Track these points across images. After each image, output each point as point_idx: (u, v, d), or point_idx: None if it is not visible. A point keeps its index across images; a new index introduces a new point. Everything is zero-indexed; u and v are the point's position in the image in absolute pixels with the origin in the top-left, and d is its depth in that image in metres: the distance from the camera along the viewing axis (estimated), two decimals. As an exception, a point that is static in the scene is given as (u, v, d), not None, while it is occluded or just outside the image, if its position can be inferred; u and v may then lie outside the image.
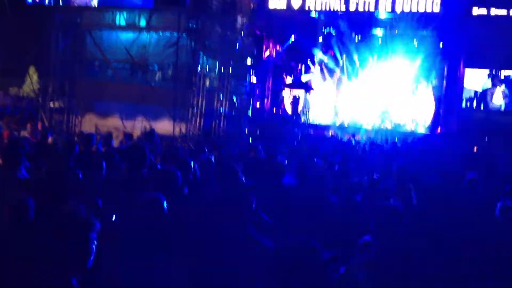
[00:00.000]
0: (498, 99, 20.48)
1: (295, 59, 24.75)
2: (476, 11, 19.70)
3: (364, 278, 2.84)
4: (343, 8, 21.20)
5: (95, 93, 18.40)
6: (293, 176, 6.31)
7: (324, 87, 24.52)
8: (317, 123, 23.12)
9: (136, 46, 18.93)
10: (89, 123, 18.11)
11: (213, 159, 7.86)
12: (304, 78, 24.74)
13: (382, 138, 18.18)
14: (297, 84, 24.42)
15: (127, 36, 19.20)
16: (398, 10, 20.65)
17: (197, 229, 3.72)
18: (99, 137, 10.21)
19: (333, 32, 23.22)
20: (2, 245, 3.56)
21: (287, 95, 24.92)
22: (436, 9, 20.18)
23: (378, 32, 22.91)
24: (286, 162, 6.52)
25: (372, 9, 20.95)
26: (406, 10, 20.56)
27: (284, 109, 24.50)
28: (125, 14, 19.23)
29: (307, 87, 24.15)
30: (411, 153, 11.07)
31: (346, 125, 22.24)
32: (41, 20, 18.92)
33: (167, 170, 4.66)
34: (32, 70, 20.16)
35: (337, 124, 22.59)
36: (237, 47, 20.65)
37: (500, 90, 20.35)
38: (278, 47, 24.60)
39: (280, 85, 25.12)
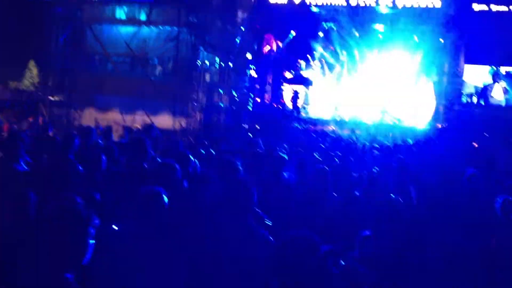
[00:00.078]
0: (498, 95, 20.44)
1: (296, 54, 24.68)
2: (477, 7, 19.66)
3: (364, 272, 2.84)
4: (344, 3, 21.15)
5: (95, 87, 18.38)
6: (292, 171, 6.31)
7: (324, 82, 24.47)
8: (317, 118, 23.08)
9: (136, 40, 18.91)
10: (89, 117, 18.11)
11: (213, 153, 7.86)
12: (304, 73, 24.70)
13: (383, 135, 18.16)
14: (297, 79, 24.36)
15: (127, 30, 19.17)
16: (399, 5, 20.59)
17: (198, 222, 3.72)
18: (99, 131, 10.21)
19: (333, 27, 23.16)
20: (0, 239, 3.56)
21: (287, 90, 24.87)
22: (437, 4, 20.12)
23: (379, 27, 22.85)
24: (286, 157, 6.50)
25: (373, 4, 20.90)
26: (407, 5, 20.52)
27: (284, 104, 24.45)
28: (125, 8, 19.20)
29: (307, 82, 24.10)
30: (410, 150, 11.06)
31: (346, 120, 22.20)
32: (41, 14, 18.87)
33: (166, 164, 4.66)
34: (32, 63, 20.11)
35: (337, 119, 22.54)
36: (237, 42, 20.62)
37: (500, 86, 20.30)
38: (278, 42, 24.55)
39: (280, 80, 25.07)
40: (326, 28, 23.44)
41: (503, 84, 19.96)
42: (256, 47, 23.00)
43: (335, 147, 11.05)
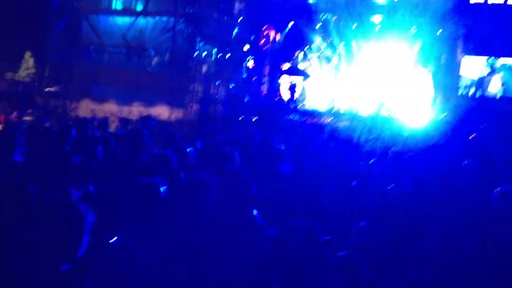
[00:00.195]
0: (495, 87, 20.46)
1: (293, 46, 24.63)
2: (473, -1, 19.68)
3: (362, 262, 2.84)
4: (341, -6, 21.11)
5: (92, 78, 18.31)
6: (289, 162, 6.31)
7: (321, 74, 24.44)
8: (314, 110, 23.06)
9: (132, 31, 18.81)
10: (85, 108, 18.04)
11: (209, 145, 7.84)
12: (301, 65, 24.65)
13: (379, 127, 18.14)
14: (294, 70, 24.32)
15: (124, 20, 19.07)
16: (396, -4, 20.56)
17: (195, 214, 3.71)
18: (96, 122, 10.18)
19: (330, 18, 23.10)
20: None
21: (284, 81, 24.83)
22: (435, -5, 20.09)
23: (376, 18, 22.80)
24: (283, 147, 6.50)
25: (370, -5, 20.86)
26: (405, -4, 20.48)
27: (281, 96, 24.42)
28: (121, -2, 19.12)
29: (304, 74, 24.07)
30: (407, 141, 11.06)
31: (342, 112, 22.18)
32: (37, 4, 18.76)
33: (162, 154, 4.65)
34: (28, 54, 20.02)
35: (334, 111, 22.54)
36: (234, 33, 20.54)
37: (497, 77, 20.32)
38: (275, 34, 24.48)
39: (277, 72, 25.01)
40: (323, 19, 23.39)
41: (500, 76, 19.99)
42: (253, 39, 22.93)
43: (332, 138, 11.04)
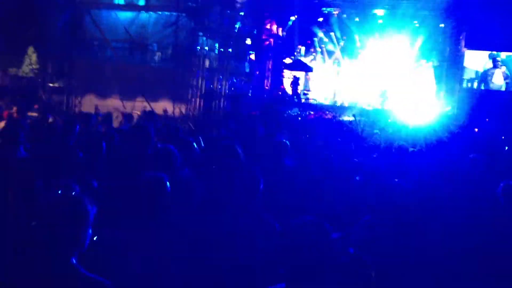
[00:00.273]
0: (498, 80, 20.41)
1: (295, 40, 24.60)
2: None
3: (371, 261, 2.82)
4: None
5: (95, 73, 18.31)
6: (292, 156, 6.31)
7: (324, 67, 24.42)
8: (317, 104, 23.06)
9: (135, 26, 18.80)
10: (89, 104, 18.03)
11: (212, 139, 7.84)
12: (304, 58, 24.63)
13: (383, 120, 18.12)
14: (297, 64, 24.30)
15: (126, 15, 19.06)
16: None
17: (201, 209, 3.71)
18: (99, 118, 10.19)
19: (333, 12, 23.06)
20: (3, 226, 3.56)
21: (287, 75, 24.81)
22: (438, -11, 20.02)
23: (379, 12, 22.74)
24: (288, 142, 6.49)
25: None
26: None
27: (284, 90, 24.40)
28: (124, -7, 19.10)
29: (307, 68, 24.05)
30: (411, 135, 11.05)
31: (346, 106, 22.18)
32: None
33: (165, 149, 4.65)
34: (31, 50, 20.02)
35: (337, 105, 22.54)
36: (237, 27, 20.51)
37: (500, 71, 20.28)
38: (278, 27, 24.44)
39: (280, 66, 25.00)
40: (326, 13, 23.35)
41: (503, 69, 19.93)
42: (255, 33, 22.90)
43: (335, 132, 11.03)
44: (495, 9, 18.67)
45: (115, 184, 4.52)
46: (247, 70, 23.05)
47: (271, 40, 24.46)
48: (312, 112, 20.42)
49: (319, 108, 21.74)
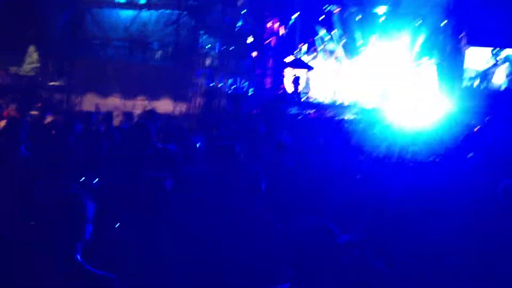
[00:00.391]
0: (499, 78, 20.39)
1: (297, 38, 24.58)
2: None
3: (380, 265, 2.80)
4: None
5: (95, 72, 18.31)
6: (294, 155, 6.30)
7: (325, 66, 24.38)
8: (318, 102, 23.03)
9: (136, 24, 18.78)
10: (89, 103, 18.03)
11: (213, 138, 7.84)
12: (305, 57, 24.60)
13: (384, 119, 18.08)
14: (298, 63, 24.27)
15: (127, 14, 19.04)
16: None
17: (203, 209, 3.71)
18: (100, 117, 10.18)
19: (335, 10, 23.04)
20: (6, 225, 3.57)
21: (288, 74, 24.79)
22: (439, -14, 19.99)
23: (381, 10, 22.72)
24: (287, 141, 6.49)
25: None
26: (409, -13, 20.40)
27: (285, 88, 24.38)
28: (124, -9, 19.08)
29: (308, 66, 24.02)
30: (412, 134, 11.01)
31: (346, 105, 22.15)
32: (40, -2, 18.76)
33: (166, 149, 4.65)
34: (32, 48, 20.02)
35: (338, 104, 22.50)
36: (238, 25, 20.49)
37: (502, 69, 20.25)
38: (279, 26, 24.41)
39: (281, 64, 24.97)
40: (327, 11, 23.32)
41: (504, 67, 19.90)
42: (257, 31, 22.88)
43: (336, 131, 11.00)
44: (497, 6, 18.65)
45: (116, 182, 4.52)
46: (248, 68, 23.03)
47: (272, 38, 24.43)
48: (312, 111, 20.41)
49: (320, 107, 21.71)
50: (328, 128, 11.99)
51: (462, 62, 21.06)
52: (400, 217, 3.68)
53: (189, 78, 18.07)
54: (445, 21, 21.38)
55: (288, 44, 24.82)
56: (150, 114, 10.10)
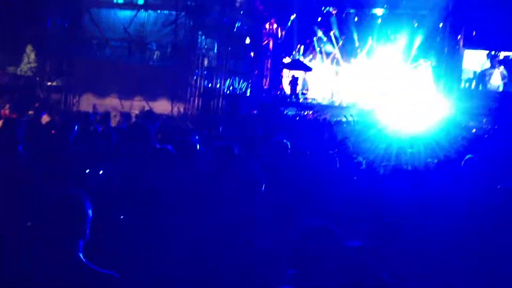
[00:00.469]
0: (496, 80, 20.43)
1: (295, 39, 24.62)
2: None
3: (386, 271, 2.80)
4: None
5: (93, 72, 18.29)
6: (292, 156, 6.30)
7: (323, 67, 24.42)
8: (316, 103, 23.06)
9: (134, 24, 18.78)
10: (87, 103, 18.02)
11: (211, 139, 7.84)
12: (303, 58, 24.64)
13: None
14: (296, 64, 24.30)
15: (125, 14, 19.04)
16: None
17: (202, 209, 3.70)
18: (97, 117, 10.18)
19: (332, 11, 23.08)
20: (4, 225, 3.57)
21: (286, 75, 24.82)
22: (436, -12, 20.04)
23: (378, 11, 22.76)
24: (285, 142, 6.48)
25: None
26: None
27: (283, 89, 24.40)
28: (122, -8, 19.09)
29: (306, 67, 24.06)
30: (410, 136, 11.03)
31: (344, 106, 22.17)
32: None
33: (164, 149, 4.64)
34: (29, 48, 19.99)
35: (336, 105, 22.53)
36: (236, 26, 20.51)
37: (498, 71, 20.29)
38: (277, 27, 24.44)
39: (279, 65, 25.00)
40: (325, 12, 23.36)
41: (501, 69, 19.94)
42: (255, 32, 22.90)
43: (334, 132, 11.03)
44: (494, 8, 18.69)
45: (114, 182, 4.52)
46: (246, 69, 23.05)
47: (270, 39, 24.46)
48: (310, 112, 20.43)
49: (317, 108, 21.73)
50: (325, 129, 12.02)
51: (459, 63, 21.09)
52: (398, 219, 3.68)
53: (187, 79, 18.06)
54: (442, 23, 21.43)
55: (286, 45, 24.85)
56: (148, 115, 10.10)
